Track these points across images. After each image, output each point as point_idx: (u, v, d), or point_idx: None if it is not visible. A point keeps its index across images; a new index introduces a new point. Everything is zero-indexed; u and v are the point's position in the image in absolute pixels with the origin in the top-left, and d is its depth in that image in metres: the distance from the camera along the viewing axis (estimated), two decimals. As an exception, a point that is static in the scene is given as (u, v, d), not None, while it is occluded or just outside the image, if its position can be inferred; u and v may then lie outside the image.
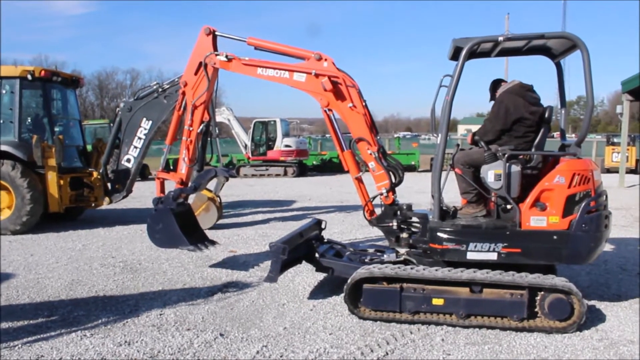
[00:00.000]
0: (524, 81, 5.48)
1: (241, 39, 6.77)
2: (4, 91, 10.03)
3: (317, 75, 6.00)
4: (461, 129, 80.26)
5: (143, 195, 15.55)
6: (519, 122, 5.22)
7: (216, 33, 6.94)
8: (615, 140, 26.64)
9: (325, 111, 6.09)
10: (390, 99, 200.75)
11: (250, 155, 25.67)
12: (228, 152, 29.22)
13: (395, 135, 52.39)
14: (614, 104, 47.87)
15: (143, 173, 22.64)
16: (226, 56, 6.67)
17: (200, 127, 7.25)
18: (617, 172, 20.67)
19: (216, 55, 6.76)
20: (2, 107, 10.04)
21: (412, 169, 27.43)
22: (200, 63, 6.85)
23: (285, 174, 25.33)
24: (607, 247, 7.84)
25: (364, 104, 5.99)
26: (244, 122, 27.79)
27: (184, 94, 7.15)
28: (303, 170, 26.39)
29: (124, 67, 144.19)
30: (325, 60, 6.06)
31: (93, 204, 10.71)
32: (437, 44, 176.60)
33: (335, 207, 13.44)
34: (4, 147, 9.75)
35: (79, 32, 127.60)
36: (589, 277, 6.54)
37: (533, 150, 5.24)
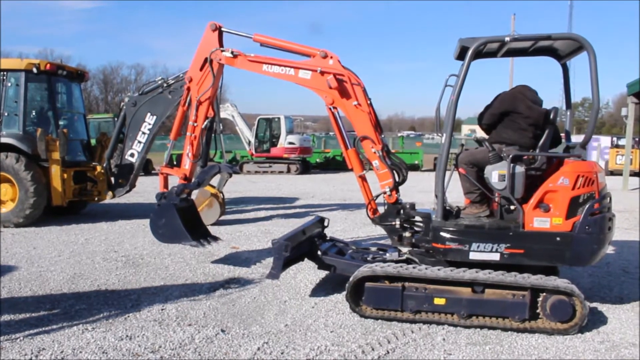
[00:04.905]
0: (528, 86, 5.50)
1: (247, 35, 6.76)
2: (9, 84, 10.05)
3: (322, 73, 5.99)
4: (465, 129, 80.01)
5: (146, 190, 15.57)
6: (515, 113, 5.22)
7: (222, 29, 6.94)
8: (620, 142, 26.57)
9: (330, 109, 6.09)
10: (395, 97, 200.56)
11: (253, 152, 25.71)
12: (232, 148, 29.26)
13: (399, 134, 52.30)
14: (618, 106, 47.70)
15: (146, 168, 22.68)
16: (232, 52, 6.67)
17: (205, 123, 7.25)
18: (621, 174, 20.61)
19: (222, 51, 6.75)
20: (7, 100, 10.05)
21: (415, 168, 27.44)
22: (206, 59, 6.84)
23: (289, 171, 25.36)
24: (610, 250, 7.82)
25: (369, 102, 5.98)
26: (248, 119, 27.79)
27: (188, 89, 7.15)
28: (306, 168, 26.41)
29: (129, 62, 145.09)
30: (331, 57, 6.06)
31: (96, 198, 10.76)
32: (443, 44, 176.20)
33: (338, 205, 13.44)
34: (9, 140, 9.78)
35: (85, 26, 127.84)
36: (592, 279, 6.53)
37: (537, 151, 5.22)
